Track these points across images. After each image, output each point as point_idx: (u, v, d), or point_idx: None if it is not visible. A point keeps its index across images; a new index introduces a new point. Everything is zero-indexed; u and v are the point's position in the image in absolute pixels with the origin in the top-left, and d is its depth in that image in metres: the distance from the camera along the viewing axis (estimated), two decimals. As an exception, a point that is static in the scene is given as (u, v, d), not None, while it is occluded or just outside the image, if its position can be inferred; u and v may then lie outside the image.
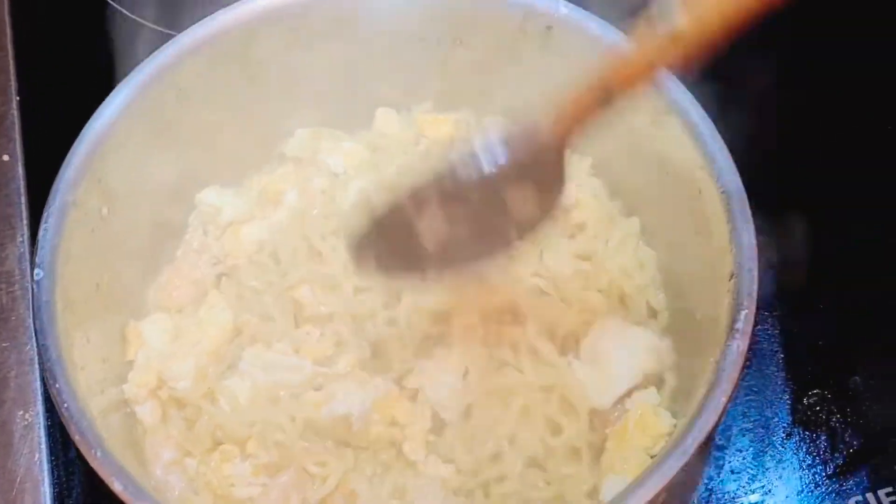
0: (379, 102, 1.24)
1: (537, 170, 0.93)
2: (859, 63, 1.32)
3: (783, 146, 1.21)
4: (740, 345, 0.93)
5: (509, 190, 0.93)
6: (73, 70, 1.37)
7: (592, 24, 1.12)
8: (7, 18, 1.44)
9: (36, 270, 0.99)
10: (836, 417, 1.14)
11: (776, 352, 1.18)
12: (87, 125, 1.07)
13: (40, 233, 1.02)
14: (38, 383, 1.17)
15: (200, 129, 1.17)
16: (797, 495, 1.10)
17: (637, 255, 1.15)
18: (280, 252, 1.16)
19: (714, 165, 1.02)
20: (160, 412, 1.10)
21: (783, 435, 1.14)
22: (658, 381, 1.09)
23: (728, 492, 1.11)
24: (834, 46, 1.31)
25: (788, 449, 1.13)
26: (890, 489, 1.09)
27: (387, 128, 1.24)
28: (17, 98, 1.37)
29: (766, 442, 1.13)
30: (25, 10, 1.45)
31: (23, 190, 1.30)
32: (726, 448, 1.13)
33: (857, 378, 1.16)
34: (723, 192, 1.01)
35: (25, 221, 1.27)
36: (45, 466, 1.13)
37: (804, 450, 1.13)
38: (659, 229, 1.15)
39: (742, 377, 1.12)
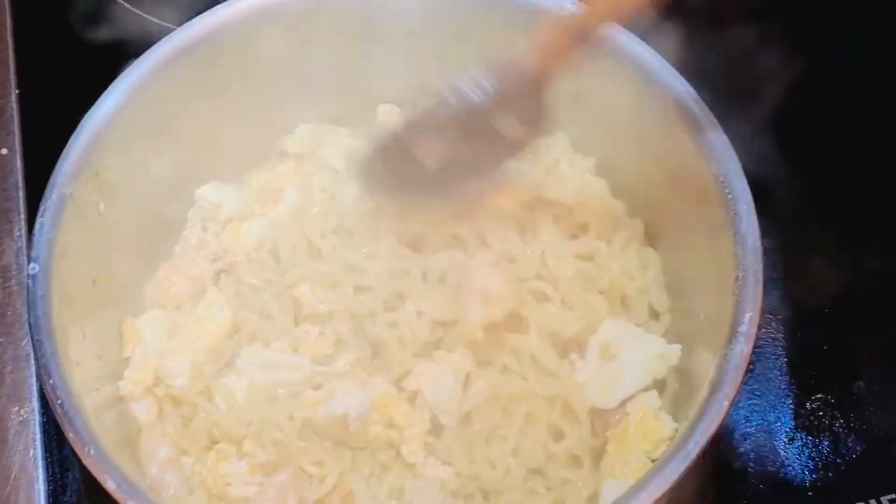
0: (380, 99, 1.23)
1: (521, 100, 1.02)
2: (867, 64, 1.32)
3: (790, 149, 1.20)
4: (744, 348, 0.93)
5: (497, 117, 1.03)
6: (72, 64, 1.36)
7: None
8: (7, 11, 1.44)
9: (31, 265, 0.99)
10: (840, 422, 1.14)
11: (780, 356, 1.18)
12: (85, 118, 1.07)
13: (36, 227, 1.01)
14: (33, 379, 1.16)
15: (200, 125, 1.16)
16: (800, 499, 1.10)
17: (640, 257, 1.14)
18: (280, 249, 1.15)
19: (720, 168, 1.02)
20: (156, 410, 1.09)
21: (786, 439, 1.13)
22: (659, 385, 1.08)
23: (730, 496, 1.10)
24: (844, 47, 1.30)
25: (791, 453, 1.12)
26: (892, 495, 1.09)
27: (388, 124, 1.23)
28: (17, 91, 1.37)
29: (769, 446, 1.13)
30: (26, 4, 1.45)
31: (21, 184, 1.29)
32: (729, 452, 1.12)
33: (860, 383, 1.16)
34: (729, 195, 1.00)
35: (23, 216, 1.27)
36: (40, 463, 1.12)
37: (807, 454, 1.12)
38: (663, 231, 1.15)
39: (745, 381, 1.11)
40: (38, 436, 1.14)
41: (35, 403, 1.15)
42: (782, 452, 1.12)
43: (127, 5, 1.39)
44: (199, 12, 1.13)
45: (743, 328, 0.93)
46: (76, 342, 1.00)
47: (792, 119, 1.18)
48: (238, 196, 1.20)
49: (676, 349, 1.07)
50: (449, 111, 1.04)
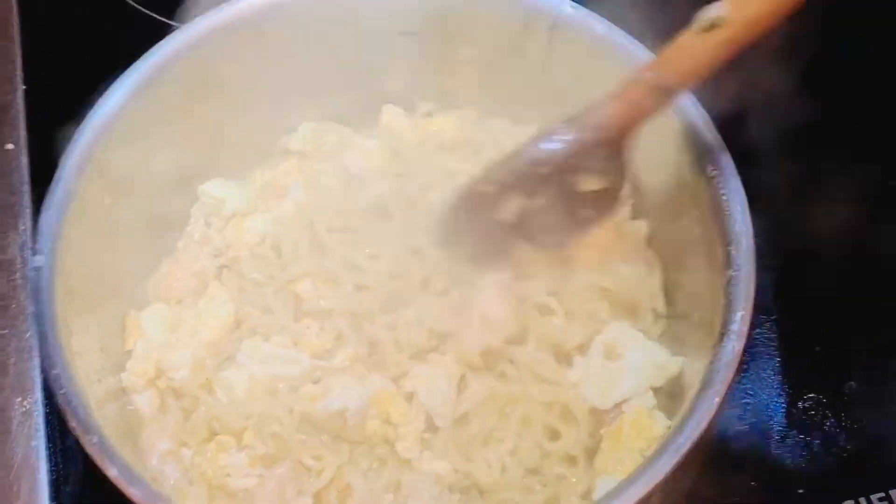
0: (383, 98, 1.24)
1: (601, 162, 1.01)
2: (864, 63, 1.33)
3: (785, 149, 1.21)
4: (735, 346, 0.93)
5: (578, 176, 1.02)
6: (78, 61, 1.37)
7: (597, 25, 1.12)
8: (14, 8, 1.45)
9: (36, 256, 1.00)
10: (831, 421, 1.15)
11: (773, 356, 1.19)
12: (90, 113, 1.08)
13: (42, 219, 1.02)
14: (36, 371, 1.17)
15: (204, 122, 1.17)
16: (790, 497, 1.11)
17: (645, 260, 1.15)
18: (282, 245, 1.16)
19: (714, 167, 1.02)
20: (158, 402, 1.10)
21: (778, 438, 1.14)
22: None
23: (721, 493, 1.11)
24: (843, 46, 1.31)
25: (783, 452, 1.13)
26: (882, 494, 1.09)
27: (393, 125, 1.24)
28: (23, 87, 1.38)
29: (762, 444, 1.14)
30: (33, 1, 1.45)
31: (26, 179, 1.30)
32: (721, 449, 1.13)
33: (852, 383, 1.17)
34: (723, 195, 1.01)
35: (28, 210, 1.28)
36: (43, 453, 1.13)
37: (798, 453, 1.13)
38: (660, 231, 1.16)
39: (738, 380, 1.14)
40: (41, 427, 1.15)
41: (38, 395, 1.16)
42: (774, 451, 1.13)
43: (133, 3, 1.40)
44: (204, 10, 1.14)
45: (735, 326, 0.94)
46: (79, 334, 1.01)
47: (790, 120, 1.19)
48: (241, 192, 1.21)
49: (678, 361, 1.07)
50: (531, 170, 1.03)
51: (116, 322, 1.12)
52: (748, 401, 1.16)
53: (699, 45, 0.94)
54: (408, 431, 1.06)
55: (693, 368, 1.02)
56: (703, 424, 0.90)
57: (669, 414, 1.05)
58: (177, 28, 1.15)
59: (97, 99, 1.09)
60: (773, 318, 1.20)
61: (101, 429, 0.94)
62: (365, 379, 1.08)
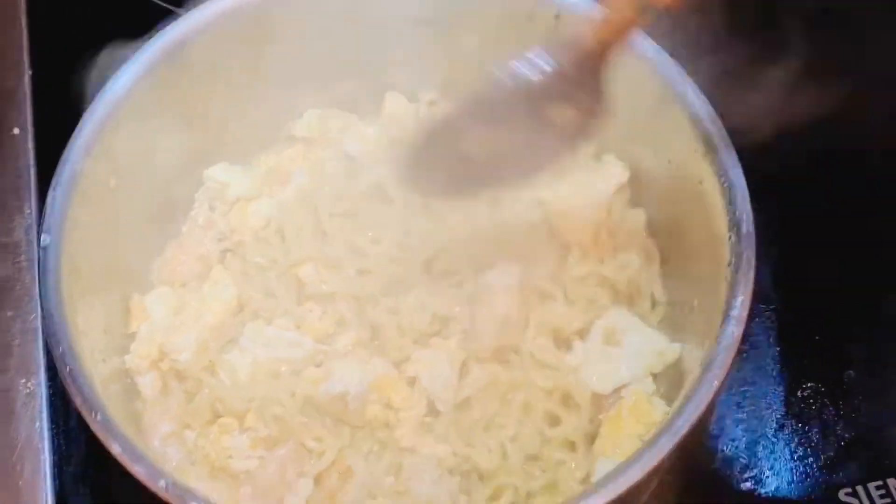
0: (387, 86, 1.25)
1: (578, 81, 0.96)
2: (866, 56, 1.33)
3: (785, 139, 1.21)
4: (735, 331, 0.94)
5: (551, 102, 0.97)
6: (85, 46, 1.37)
7: (601, 14, 1.12)
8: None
9: (43, 236, 1.00)
10: (829, 410, 1.15)
11: (772, 345, 1.19)
12: (97, 97, 1.08)
13: (48, 199, 1.02)
14: (41, 352, 1.18)
15: (209, 107, 1.18)
16: (788, 486, 1.11)
17: (645, 248, 1.16)
18: (286, 230, 1.17)
19: (716, 155, 1.03)
20: (160, 384, 1.11)
21: (776, 426, 1.15)
22: (654, 370, 1.10)
23: (720, 480, 1.12)
24: (844, 40, 1.31)
25: (781, 440, 1.14)
26: (879, 482, 1.10)
27: (397, 113, 1.25)
28: (30, 72, 1.38)
29: (760, 433, 1.14)
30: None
31: (32, 163, 1.31)
32: (720, 437, 1.14)
33: (850, 372, 1.17)
34: (724, 182, 1.02)
35: (33, 194, 1.28)
36: (46, 434, 1.14)
37: (796, 441, 1.14)
38: (660, 218, 1.16)
39: (738, 369, 1.14)
40: (45, 408, 1.15)
41: (42, 376, 1.17)
42: (772, 439, 1.14)
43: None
44: (212, -3, 1.15)
45: (735, 311, 0.95)
46: (84, 314, 1.02)
47: (792, 109, 1.19)
48: (246, 177, 1.21)
49: (676, 348, 1.08)
50: (501, 96, 0.97)
51: (120, 304, 1.13)
52: (747, 389, 1.16)
53: None
54: (408, 417, 1.06)
55: (692, 355, 1.03)
56: (702, 407, 0.90)
57: (669, 401, 1.05)
58: (184, 13, 1.15)
59: (104, 83, 1.10)
60: (772, 307, 1.20)
61: (105, 408, 0.94)
62: (367, 363, 1.09)
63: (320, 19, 1.18)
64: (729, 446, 1.14)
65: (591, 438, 1.07)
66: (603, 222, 1.16)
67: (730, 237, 0.99)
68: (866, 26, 1.34)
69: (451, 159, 1.03)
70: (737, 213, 1.00)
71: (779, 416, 1.15)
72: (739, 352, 0.95)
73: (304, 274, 1.14)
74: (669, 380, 1.08)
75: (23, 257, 1.24)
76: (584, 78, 0.96)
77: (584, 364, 1.09)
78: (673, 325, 1.11)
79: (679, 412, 0.91)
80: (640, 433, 1.04)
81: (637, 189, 1.17)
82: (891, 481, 1.10)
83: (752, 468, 1.13)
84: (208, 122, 1.19)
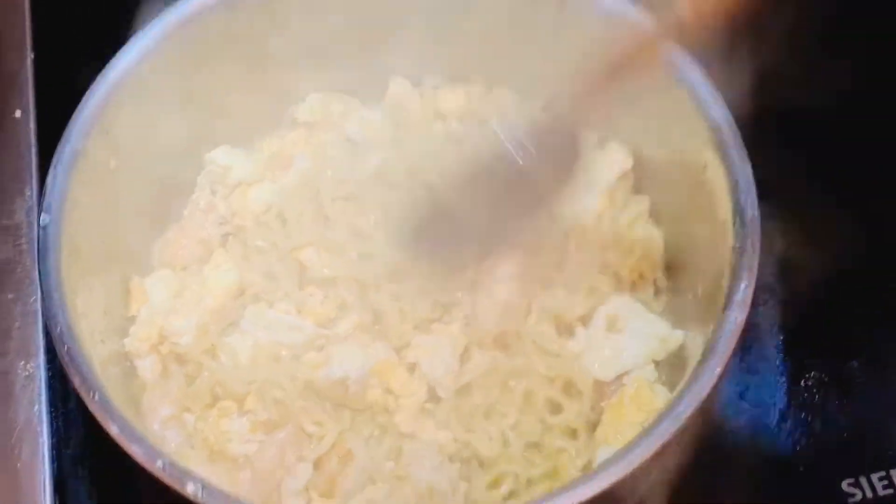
0: (391, 71, 1.24)
1: (559, 150, 1.00)
2: (869, 39, 1.32)
3: (791, 125, 1.21)
4: (738, 316, 0.93)
5: (536, 171, 1.00)
6: (87, 29, 1.37)
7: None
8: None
9: (43, 215, 1.00)
10: (833, 400, 1.15)
11: (776, 335, 1.19)
12: (99, 77, 1.08)
13: (48, 178, 1.02)
14: (40, 335, 1.18)
15: (211, 89, 1.17)
16: (791, 475, 1.11)
17: (649, 233, 1.15)
18: (287, 214, 1.16)
19: (721, 141, 1.02)
20: (160, 368, 1.10)
21: (779, 416, 1.14)
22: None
23: (723, 469, 1.11)
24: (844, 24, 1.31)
25: (784, 430, 1.13)
26: (882, 473, 1.09)
27: (401, 98, 1.24)
28: (32, 55, 1.38)
29: (763, 422, 1.14)
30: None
31: (34, 146, 1.31)
32: (722, 426, 1.13)
33: (854, 363, 1.16)
34: (729, 168, 1.01)
35: (34, 177, 1.28)
36: (45, 417, 1.14)
37: (799, 431, 1.13)
38: (663, 205, 1.16)
39: (741, 357, 1.14)
40: (44, 391, 1.15)
41: (41, 359, 1.17)
42: (775, 428, 1.13)
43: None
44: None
45: (738, 297, 0.94)
46: (84, 295, 1.02)
47: (798, 97, 1.19)
48: (248, 161, 1.21)
49: (679, 335, 1.08)
50: (493, 175, 1.02)
51: (120, 286, 1.12)
52: (751, 378, 1.16)
53: (656, 29, 0.95)
54: (408, 403, 1.06)
55: (695, 342, 1.02)
56: (704, 393, 0.90)
57: (671, 388, 1.05)
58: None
59: (106, 66, 1.09)
60: (776, 296, 1.20)
61: (103, 388, 0.94)
62: (368, 348, 1.08)
63: (323, 2, 1.17)
64: (732, 435, 1.13)
65: (593, 426, 1.06)
66: (606, 209, 1.15)
67: (734, 222, 0.98)
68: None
69: (442, 226, 1.06)
70: (741, 198, 0.99)
71: (782, 406, 1.15)
72: (742, 341, 0.94)
73: (305, 258, 1.14)
74: (672, 367, 1.07)
75: (24, 240, 1.24)
76: (562, 147, 1.01)
77: (586, 351, 1.08)
78: (676, 313, 1.10)
79: (681, 397, 0.90)
80: (642, 421, 1.03)
81: (641, 175, 1.17)
82: (893, 471, 1.09)
83: (754, 457, 1.12)
84: (210, 105, 1.18)
